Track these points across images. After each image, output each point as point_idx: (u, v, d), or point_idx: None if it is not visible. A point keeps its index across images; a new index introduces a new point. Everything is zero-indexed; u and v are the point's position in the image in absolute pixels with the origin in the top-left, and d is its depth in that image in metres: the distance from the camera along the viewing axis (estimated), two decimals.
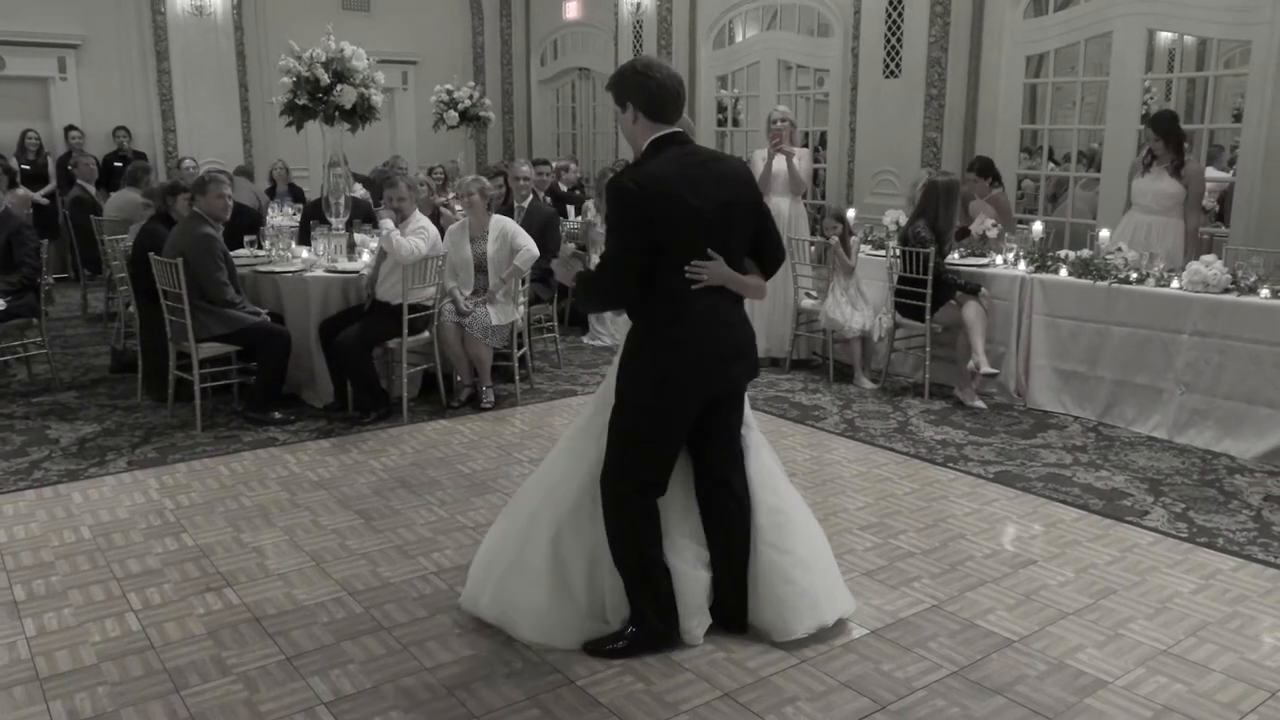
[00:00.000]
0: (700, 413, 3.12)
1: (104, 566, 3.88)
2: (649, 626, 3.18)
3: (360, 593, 3.66)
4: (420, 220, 5.94)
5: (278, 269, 6.23)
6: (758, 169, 7.08)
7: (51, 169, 10.93)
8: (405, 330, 5.74)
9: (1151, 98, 9.75)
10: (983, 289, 6.15)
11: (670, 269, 2.98)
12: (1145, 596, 3.62)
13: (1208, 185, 7.68)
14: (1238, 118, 7.77)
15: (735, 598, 3.28)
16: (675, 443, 3.13)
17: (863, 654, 3.22)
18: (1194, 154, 6.95)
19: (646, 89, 3.00)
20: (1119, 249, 5.94)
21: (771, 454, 3.43)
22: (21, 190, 9.42)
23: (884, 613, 3.51)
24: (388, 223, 5.76)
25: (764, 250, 3.22)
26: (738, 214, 3.06)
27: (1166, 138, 6.31)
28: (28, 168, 10.68)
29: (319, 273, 6.16)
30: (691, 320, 3.01)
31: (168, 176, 11.33)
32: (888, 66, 8.86)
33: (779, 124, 6.94)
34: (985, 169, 7.32)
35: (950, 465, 5.08)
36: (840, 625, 3.34)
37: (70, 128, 11.31)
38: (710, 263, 2.99)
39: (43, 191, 10.55)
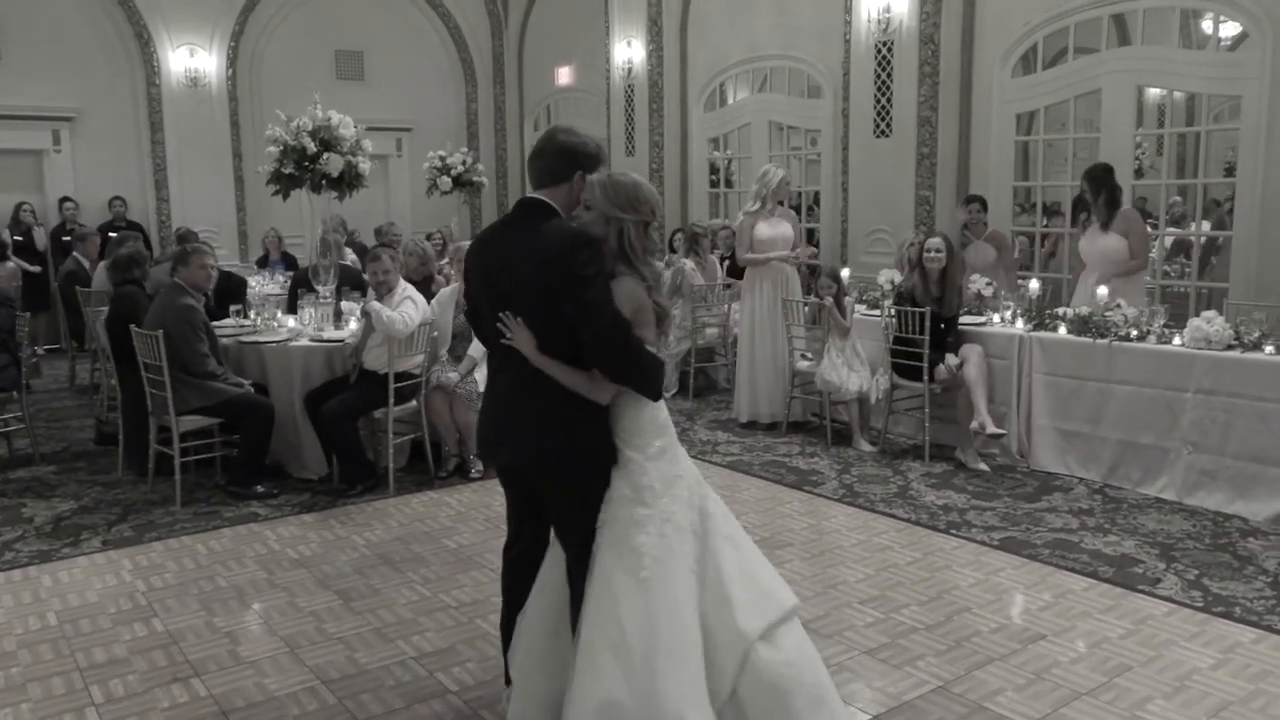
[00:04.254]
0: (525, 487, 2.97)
1: (68, 656, 3.70)
2: None
3: (334, 681, 3.48)
4: (407, 290, 5.83)
5: (262, 339, 6.12)
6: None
7: (44, 241, 10.89)
8: (391, 399, 5.61)
9: (1144, 153, 9.76)
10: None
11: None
12: (1162, 673, 3.44)
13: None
14: (1229, 172, 7.74)
15: None
16: (507, 496, 3.09)
17: None
18: (1126, 202, 6.84)
19: None
20: (1117, 305, 5.84)
21: (610, 590, 2.71)
22: (11, 264, 9.40)
23: (887, 695, 3.32)
24: (374, 304, 5.64)
25: (583, 346, 2.72)
26: (519, 288, 2.76)
27: (1096, 189, 6.29)
28: (20, 239, 10.65)
29: (304, 342, 6.06)
30: (489, 379, 3.07)
31: (161, 246, 11.32)
32: (878, 126, 8.87)
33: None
34: (984, 202, 7.40)
35: (953, 532, 4.90)
36: None
37: (65, 199, 11.30)
38: (518, 326, 2.75)
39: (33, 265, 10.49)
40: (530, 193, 2.92)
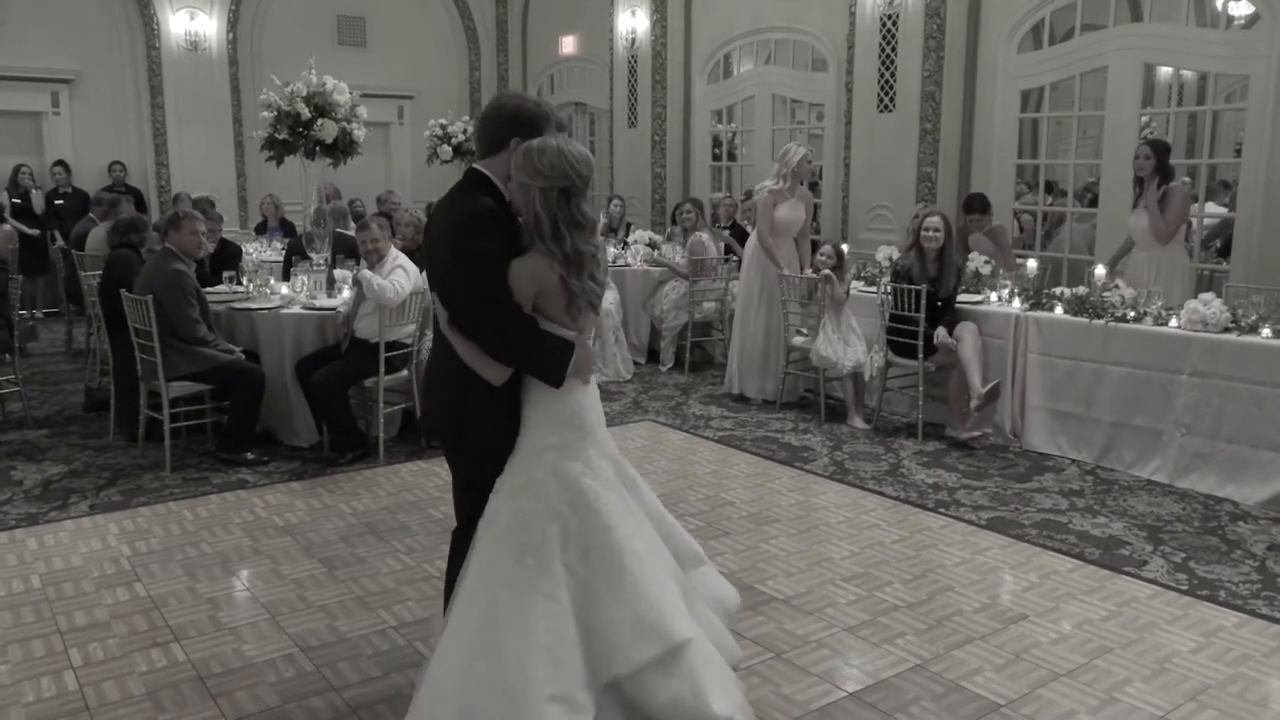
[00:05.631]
0: None
1: (49, 619, 3.70)
2: None
3: (313, 649, 3.48)
4: (399, 259, 5.79)
5: (254, 305, 6.10)
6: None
7: (42, 204, 10.84)
8: (382, 369, 5.59)
9: (1151, 132, 9.66)
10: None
11: None
12: (1143, 656, 3.42)
13: (1207, 220, 7.57)
14: (1239, 153, 7.64)
15: None
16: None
17: None
18: (1183, 182, 6.76)
19: None
20: (1115, 286, 5.79)
21: (490, 563, 2.63)
22: (8, 226, 9.35)
23: (865, 673, 3.31)
24: (365, 273, 5.61)
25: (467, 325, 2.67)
26: (434, 260, 2.78)
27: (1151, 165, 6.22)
28: (19, 201, 10.61)
29: (296, 309, 6.03)
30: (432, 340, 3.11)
31: (160, 211, 11.26)
32: (882, 101, 8.76)
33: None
34: (984, 206, 7.23)
35: (941, 511, 4.88)
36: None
37: (56, 163, 11.21)
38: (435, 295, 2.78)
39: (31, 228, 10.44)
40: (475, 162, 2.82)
